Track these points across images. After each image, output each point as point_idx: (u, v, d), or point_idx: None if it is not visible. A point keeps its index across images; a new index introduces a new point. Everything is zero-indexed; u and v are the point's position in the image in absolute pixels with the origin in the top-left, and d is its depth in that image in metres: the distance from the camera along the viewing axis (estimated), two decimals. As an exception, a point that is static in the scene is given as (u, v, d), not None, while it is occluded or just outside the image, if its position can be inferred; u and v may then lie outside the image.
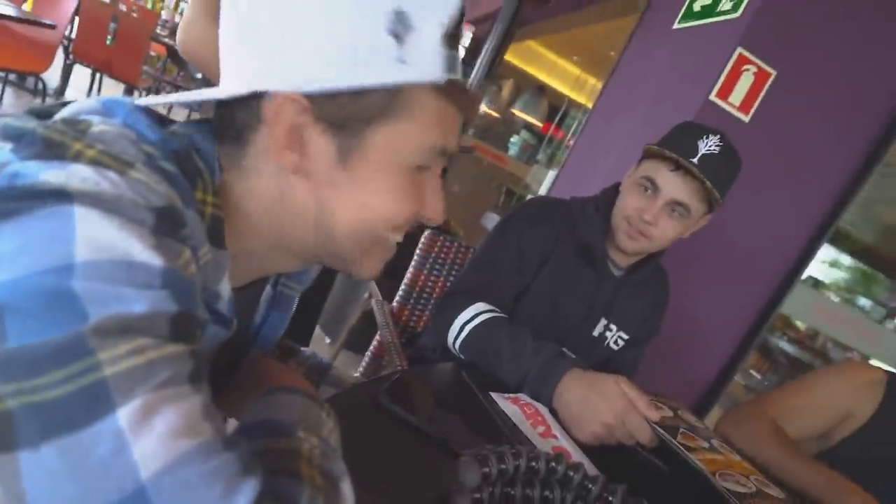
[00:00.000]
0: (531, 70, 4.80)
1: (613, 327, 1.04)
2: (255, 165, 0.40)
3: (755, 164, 1.51)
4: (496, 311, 0.87)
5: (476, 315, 0.86)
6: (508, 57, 4.86)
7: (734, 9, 1.44)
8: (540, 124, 4.15)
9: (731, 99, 1.44)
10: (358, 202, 0.40)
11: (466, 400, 0.71)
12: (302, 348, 0.70)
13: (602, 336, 1.04)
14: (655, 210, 0.89)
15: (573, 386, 0.72)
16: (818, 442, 1.09)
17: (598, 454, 0.68)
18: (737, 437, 1.02)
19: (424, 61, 0.36)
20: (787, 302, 1.70)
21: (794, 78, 1.45)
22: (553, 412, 0.74)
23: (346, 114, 0.37)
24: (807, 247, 1.66)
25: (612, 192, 1.02)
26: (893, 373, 1.09)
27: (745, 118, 1.46)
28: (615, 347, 1.06)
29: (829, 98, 1.50)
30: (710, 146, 0.85)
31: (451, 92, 0.39)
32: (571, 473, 0.52)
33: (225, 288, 0.40)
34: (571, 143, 2.05)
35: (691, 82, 1.50)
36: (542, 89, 4.24)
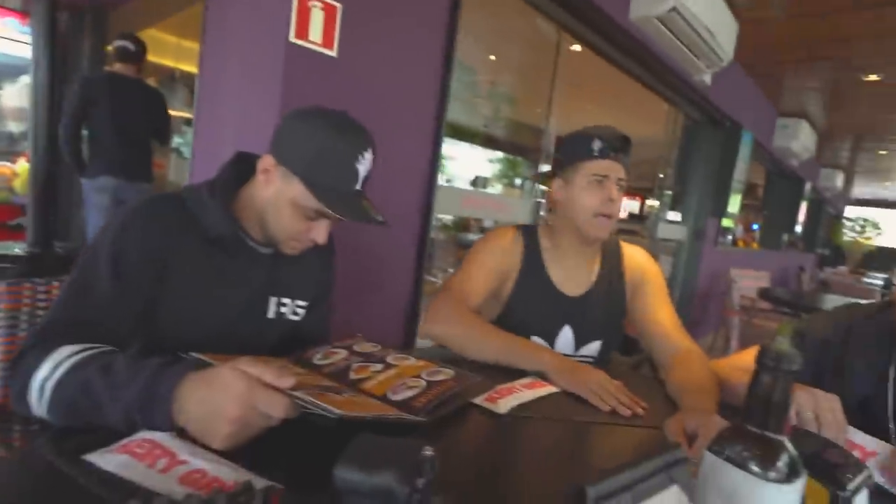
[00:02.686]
0: (155, 59, 4.13)
1: (287, 301, 0.96)
2: None
3: (358, 94, 1.55)
4: (88, 349, 0.67)
5: (57, 366, 0.64)
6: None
7: (278, -54, 1.37)
8: (189, 115, 3.67)
9: (311, 38, 1.41)
10: None
11: (57, 485, 0.51)
12: None
13: (279, 314, 0.96)
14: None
15: (190, 394, 0.59)
16: (497, 303, 1.23)
17: (256, 451, 0.58)
18: (441, 336, 1.08)
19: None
20: (438, 205, 1.89)
21: (360, 7, 1.49)
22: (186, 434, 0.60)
23: None
24: (432, 150, 1.85)
25: (231, 172, 0.89)
26: (524, 225, 1.29)
27: (333, 53, 1.46)
28: (297, 318, 0.99)
29: (397, 16, 1.61)
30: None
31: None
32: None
33: None
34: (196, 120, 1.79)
35: (269, 28, 1.41)
36: (173, 76, 3.67)
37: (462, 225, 5.22)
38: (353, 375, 0.82)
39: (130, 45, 2.70)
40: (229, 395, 0.57)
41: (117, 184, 2.64)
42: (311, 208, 0.82)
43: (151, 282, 0.80)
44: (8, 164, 3.62)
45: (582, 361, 1.20)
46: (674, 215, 4.55)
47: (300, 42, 1.38)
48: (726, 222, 4.66)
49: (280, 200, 0.83)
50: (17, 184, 3.54)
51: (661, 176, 4.30)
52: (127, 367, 0.62)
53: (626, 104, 5.13)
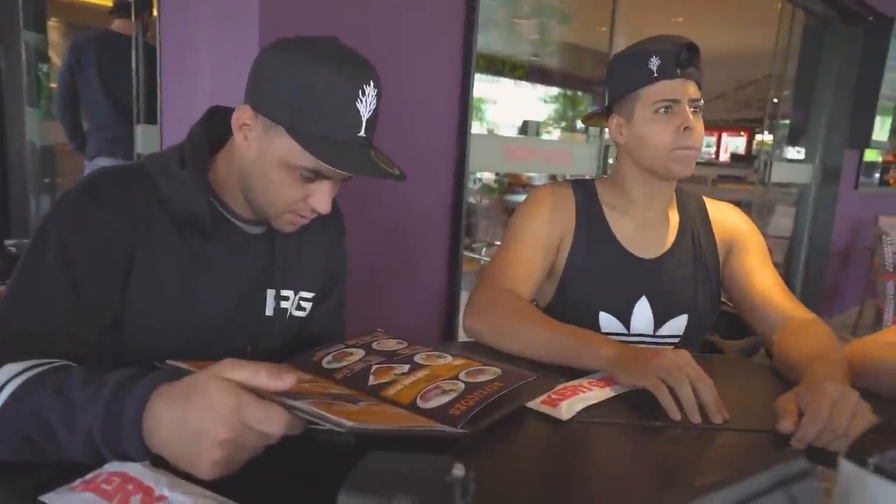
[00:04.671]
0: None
1: (288, 293, 0.98)
2: None
3: (355, 19, 1.53)
4: (37, 366, 0.69)
5: (1, 389, 0.66)
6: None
7: None
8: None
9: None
10: None
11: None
12: None
13: (280, 310, 0.97)
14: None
15: (163, 413, 0.59)
16: (551, 280, 1.23)
17: (252, 478, 0.59)
18: (482, 331, 1.10)
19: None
20: (472, 159, 1.87)
21: None
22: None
23: None
24: (461, 90, 1.81)
25: (203, 133, 0.90)
26: (576, 179, 1.29)
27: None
28: (302, 314, 1.01)
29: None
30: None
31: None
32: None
33: None
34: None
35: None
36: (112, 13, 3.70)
37: (510, 184, 5.17)
38: (372, 380, 0.82)
39: None
40: (213, 412, 0.57)
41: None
42: (305, 167, 0.81)
43: (114, 280, 0.81)
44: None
45: (665, 344, 1.17)
46: (794, 152, 4.34)
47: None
48: (871, 155, 4.40)
49: (265, 161, 0.83)
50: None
51: (775, 101, 4.10)
52: (84, 383, 0.63)
53: (720, 8, 4.89)
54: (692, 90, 1.14)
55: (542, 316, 1.09)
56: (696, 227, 1.27)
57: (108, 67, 2.78)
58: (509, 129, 6.67)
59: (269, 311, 0.96)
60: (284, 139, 0.80)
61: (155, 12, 2.81)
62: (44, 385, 0.65)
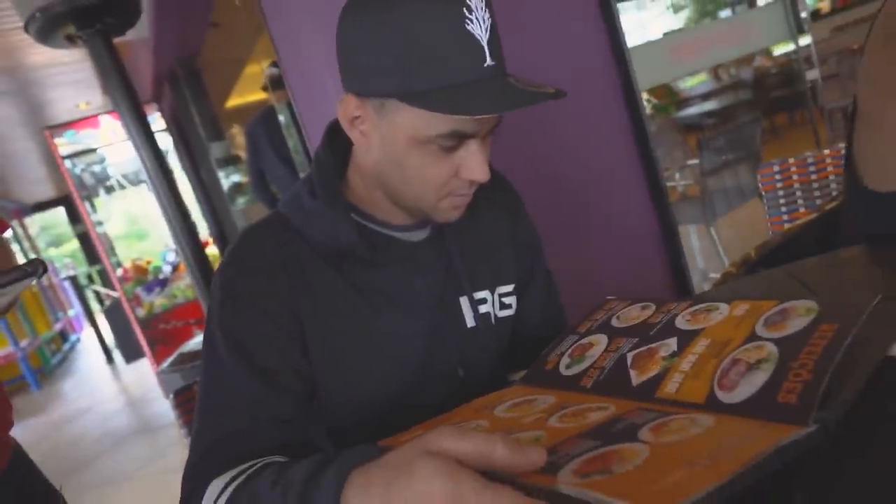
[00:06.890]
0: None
1: (484, 294, 0.83)
2: None
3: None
4: (235, 478, 0.61)
5: None
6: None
7: None
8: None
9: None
10: None
11: None
12: None
13: (482, 317, 0.82)
14: None
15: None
16: None
17: None
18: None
19: None
20: (639, 76, 1.55)
21: None
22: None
23: None
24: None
25: (328, 153, 0.78)
26: None
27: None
28: (509, 312, 0.86)
29: None
30: None
31: None
32: None
33: None
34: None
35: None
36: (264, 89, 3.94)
37: (675, 95, 4.44)
38: (636, 377, 0.59)
39: (276, 70, 2.96)
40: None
41: None
42: (440, 134, 0.65)
43: (290, 347, 0.72)
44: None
45: None
46: None
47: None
48: None
49: (394, 149, 0.68)
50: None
51: None
52: (272, 487, 0.52)
53: None
54: None
55: None
56: None
57: (275, 137, 3.02)
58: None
59: (470, 322, 0.81)
60: (403, 112, 0.65)
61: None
62: (242, 498, 0.57)
